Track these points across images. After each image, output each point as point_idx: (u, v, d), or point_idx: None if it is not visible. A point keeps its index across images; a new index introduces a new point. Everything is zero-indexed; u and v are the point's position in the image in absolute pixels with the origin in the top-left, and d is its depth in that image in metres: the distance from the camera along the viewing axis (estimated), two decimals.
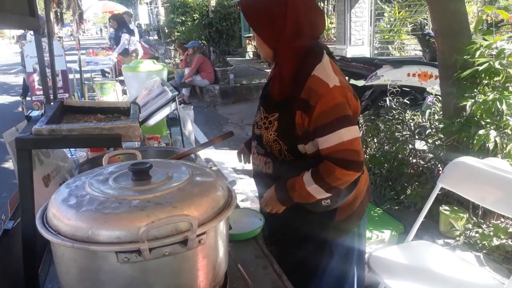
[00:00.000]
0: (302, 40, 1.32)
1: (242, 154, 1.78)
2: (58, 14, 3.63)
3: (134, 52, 8.39)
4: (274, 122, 1.38)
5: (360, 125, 3.58)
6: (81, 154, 1.94)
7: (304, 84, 1.29)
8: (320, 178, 1.30)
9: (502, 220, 2.82)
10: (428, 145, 3.31)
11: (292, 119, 1.32)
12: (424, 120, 3.43)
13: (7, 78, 12.24)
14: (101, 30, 35.86)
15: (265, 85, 1.56)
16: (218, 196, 0.87)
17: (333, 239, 1.50)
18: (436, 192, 1.97)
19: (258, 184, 1.59)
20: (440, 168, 3.10)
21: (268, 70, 7.83)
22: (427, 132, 3.35)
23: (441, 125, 3.17)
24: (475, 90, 2.79)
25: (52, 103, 1.21)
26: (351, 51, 8.87)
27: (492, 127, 2.67)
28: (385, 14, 9.27)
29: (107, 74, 9.19)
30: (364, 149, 3.52)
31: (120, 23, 8.42)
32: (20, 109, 8.04)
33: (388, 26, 9.26)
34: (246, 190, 3.95)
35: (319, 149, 1.32)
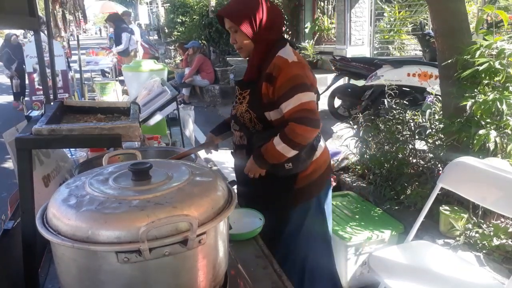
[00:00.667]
0: (274, 34, 1.67)
1: (209, 145, 1.89)
2: (63, 14, 3.63)
3: (135, 52, 8.37)
4: (246, 96, 1.70)
5: (360, 125, 3.59)
6: (81, 154, 1.94)
7: (270, 63, 1.61)
8: (286, 136, 1.58)
9: (502, 220, 2.82)
10: (428, 145, 3.31)
11: (259, 91, 1.63)
12: (424, 120, 3.43)
13: (6, 78, 12.20)
14: (100, 30, 35.81)
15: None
16: (218, 196, 0.87)
17: (293, 205, 1.79)
18: (436, 192, 1.97)
19: (236, 157, 1.87)
20: (440, 168, 3.10)
21: None
22: (427, 132, 3.35)
23: (441, 125, 3.17)
24: (475, 90, 2.79)
25: (52, 103, 1.21)
26: (351, 51, 8.86)
27: (492, 127, 2.67)
28: (385, 14, 9.26)
29: (107, 74, 9.19)
30: (364, 149, 3.52)
31: (117, 23, 8.41)
32: (17, 106, 8.06)
33: (388, 26, 9.26)
34: None
35: (283, 115, 1.61)
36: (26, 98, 6.30)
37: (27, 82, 8.36)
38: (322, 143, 1.82)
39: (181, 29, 13.57)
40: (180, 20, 13.48)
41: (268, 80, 1.60)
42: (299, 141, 1.58)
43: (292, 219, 1.81)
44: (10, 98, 8.71)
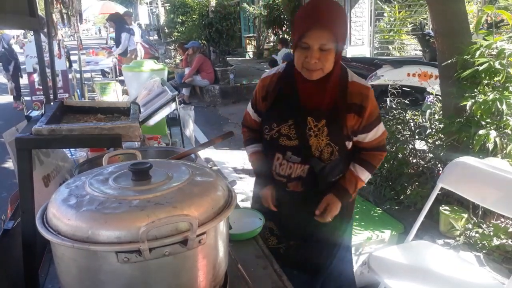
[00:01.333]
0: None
1: (270, 195, 1.62)
2: (64, 14, 3.62)
3: (134, 52, 8.35)
4: (323, 128, 1.47)
5: None
6: (81, 154, 1.94)
7: (347, 90, 1.46)
8: (373, 167, 1.56)
9: (502, 220, 2.82)
10: (428, 145, 3.31)
11: (343, 122, 1.46)
12: (424, 120, 3.43)
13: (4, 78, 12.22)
14: (99, 30, 35.77)
15: (273, 98, 1.56)
16: (218, 196, 0.87)
17: (347, 224, 1.71)
18: (436, 192, 1.97)
19: (282, 191, 1.61)
20: (440, 168, 3.10)
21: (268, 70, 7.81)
22: (427, 132, 3.35)
23: (441, 125, 3.17)
24: (475, 90, 2.79)
25: (52, 103, 1.21)
26: (351, 51, 8.86)
27: (492, 127, 2.67)
28: (385, 14, 9.27)
29: (107, 74, 9.19)
30: None
31: (118, 23, 8.41)
32: (17, 107, 8.06)
33: (388, 26, 9.26)
34: (246, 190, 3.94)
35: (361, 142, 1.53)
36: (26, 98, 6.30)
37: (22, 83, 8.39)
38: None
39: (181, 29, 13.58)
40: (180, 20, 13.49)
41: (357, 111, 1.45)
42: (378, 166, 1.61)
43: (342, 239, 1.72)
44: (10, 98, 8.72)
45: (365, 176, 1.56)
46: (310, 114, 1.47)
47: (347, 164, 1.58)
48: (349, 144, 1.53)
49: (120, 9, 13.83)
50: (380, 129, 1.52)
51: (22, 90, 8.48)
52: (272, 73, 1.59)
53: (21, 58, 8.31)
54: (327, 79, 1.43)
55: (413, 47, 8.93)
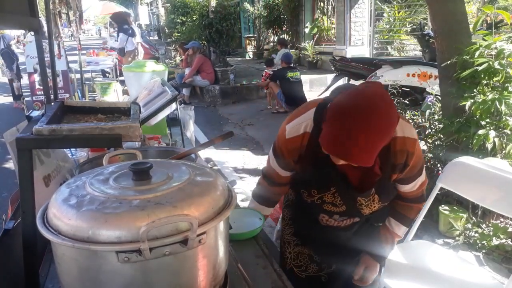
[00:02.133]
0: None
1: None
2: (64, 15, 3.64)
3: (132, 53, 8.33)
4: (373, 196, 1.33)
5: None
6: (82, 154, 1.94)
7: (390, 150, 1.21)
8: (410, 221, 1.45)
9: (502, 220, 2.82)
10: (428, 145, 3.31)
11: (390, 182, 1.32)
12: (423, 120, 3.43)
13: (4, 78, 12.22)
14: (99, 30, 35.73)
15: (309, 166, 1.32)
16: (218, 196, 0.87)
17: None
18: (435, 192, 1.97)
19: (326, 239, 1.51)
20: (440, 168, 3.11)
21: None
22: (426, 132, 3.35)
23: (440, 125, 3.17)
24: (475, 90, 2.79)
25: (52, 103, 1.21)
26: (351, 51, 8.87)
27: (491, 127, 2.68)
28: (385, 15, 9.26)
29: (107, 74, 9.20)
30: None
31: (120, 23, 8.42)
32: (18, 107, 8.06)
33: (388, 26, 9.26)
34: (246, 190, 3.95)
35: (399, 189, 1.38)
36: (27, 98, 6.31)
37: (23, 83, 8.39)
38: None
39: (181, 30, 13.58)
40: (181, 21, 13.49)
41: (401, 170, 1.28)
42: (415, 218, 1.50)
43: None
44: (10, 98, 8.72)
45: (401, 231, 1.46)
46: (360, 195, 1.31)
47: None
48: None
49: (120, 10, 13.85)
50: (420, 180, 1.36)
51: (22, 90, 8.49)
52: (301, 134, 1.29)
53: (21, 59, 8.33)
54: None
55: (412, 47, 8.93)
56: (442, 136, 3.13)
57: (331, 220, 1.44)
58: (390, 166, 1.24)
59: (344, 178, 1.29)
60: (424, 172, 1.37)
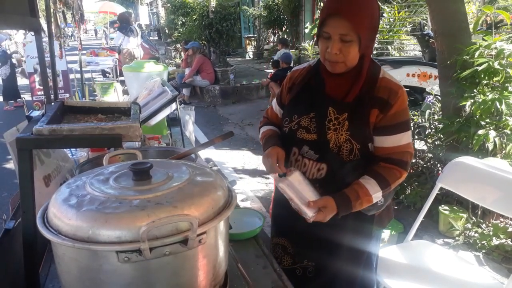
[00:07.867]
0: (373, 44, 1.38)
1: (276, 158, 1.38)
2: (64, 15, 3.64)
3: (127, 53, 8.30)
4: (344, 122, 1.32)
5: None
6: (82, 154, 1.94)
7: (376, 84, 1.32)
8: (387, 183, 1.30)
9: (502, 219, 2.82)
10: (428, 145, 3.31)
11: (365, 118, 1.31)
12: (423, 120, 3.43)
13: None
14: (95, 31, 35.63)
15: (298, 90, 1.44)
16: (218, 196, 0.88)
17: (369, 244, 1.49)
18: (435, 192, 1.97)
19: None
20: (440, 168, 3.11)
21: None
22: (426, 132, 3.35)
23: (440, 125, 3.17)
24: (475, 90, 2.79)
25: (53, 103, 1.21)
26: None
27: (491, 127, 2.68)
28: (385, 15, 9.26)
29: (107, 75, 9.20)
30: None
31: (122, 23, 8.43)
32: (7, 108, 8.03)
33: (388, 26, 9.25)
34: (246, 190, 3.95)
35: (379, 147, 1.34)
36: (27, 99, 6.31)
37: (23, 83, 8.35)
38: None
39: (181, 30, 13.58)
40: (181, 21, 13.50)
41: (382, 107, 1.29)
42: (394, 187, 1.34)
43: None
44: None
45: (374, 190, 1.28)
46: (332, 105, 1.33)
47: None
48: (371, 146, 1.35)
49: (120, 10, 13.86)
50: (404, 139, 1.31)
51: (22, 90, 8.46)
52: (303, 67, 1.49)
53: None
54: (355, 73, 1.31)
55: (412, 48, 8.92)
56: (442, 136, 3.13)
57: (299, 158, 1.39)
58: (371, 98, 1.31)
59: (322, 100, 1.37)
60: (410, 136, 1.34)
